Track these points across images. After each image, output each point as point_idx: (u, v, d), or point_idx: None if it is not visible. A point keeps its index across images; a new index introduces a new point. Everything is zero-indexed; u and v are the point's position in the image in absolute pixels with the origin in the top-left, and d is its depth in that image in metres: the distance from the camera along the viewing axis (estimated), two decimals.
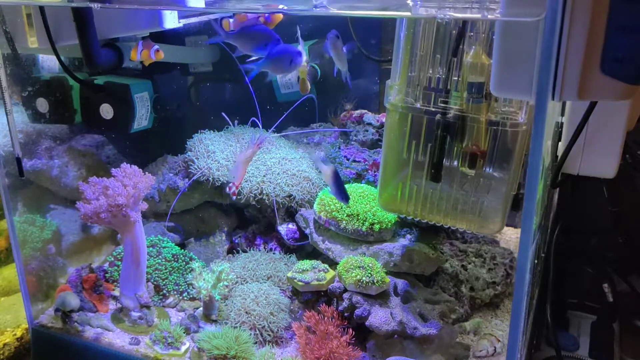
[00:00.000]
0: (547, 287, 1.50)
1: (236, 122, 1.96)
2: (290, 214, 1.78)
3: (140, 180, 1.48)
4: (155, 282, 1.64)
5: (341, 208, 1.57)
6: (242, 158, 1.46)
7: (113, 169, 1.51)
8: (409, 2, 1.11)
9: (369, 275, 1.39)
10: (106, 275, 1.69)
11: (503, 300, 1.60)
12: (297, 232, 1.75)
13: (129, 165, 1.52)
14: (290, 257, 1.73)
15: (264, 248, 1.76)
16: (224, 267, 1.55)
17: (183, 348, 1.44)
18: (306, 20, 1.92)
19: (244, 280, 1.62)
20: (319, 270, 1.51)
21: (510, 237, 1.81)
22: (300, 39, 1.37)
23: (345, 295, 1.42)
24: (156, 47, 1.51)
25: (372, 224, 1.54)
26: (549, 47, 0.83)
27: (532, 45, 0.86)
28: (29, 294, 1.57)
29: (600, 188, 1.63)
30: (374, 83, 2.01)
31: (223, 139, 1.85)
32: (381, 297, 1.42)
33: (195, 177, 1.74)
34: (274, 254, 1.74)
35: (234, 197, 1.57)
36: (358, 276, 1.39)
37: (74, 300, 1.53)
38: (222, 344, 1.37)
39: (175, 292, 1.65)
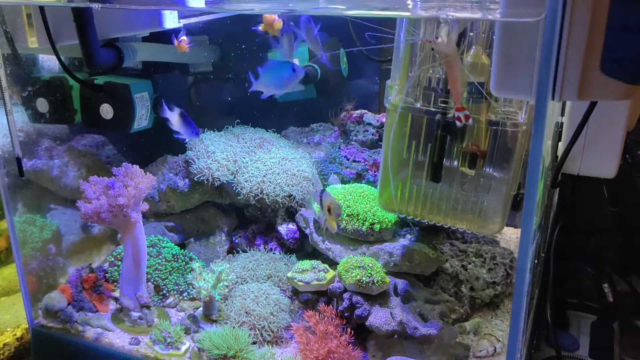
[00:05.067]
0: (547, 287, 1.50)
1: (236, 122, 1.96)
2: (290, 214, 1.78)
3: (141, 181, 1.48)
4: (155, 282, 1.64)
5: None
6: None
7: (114, 168, 1.51)
8: (408, 2, 1.11)
9: (369, 275, 1.39)
10: (106, 275, 1.69)
11: (503, 300, 1.60)
12: (297, 232, 1.75)
13: (130, 165, 1.52)
14: (290, 257, 1.73)
15: (264, 248, 1.76)
16: (224, 267, 1.55)
17: (183, 348, 1.44)
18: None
19: (244, 280, 1.62)
20: (319, 270, 1.51)
21: (510, 237, 1.81)
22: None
23: (345, 295, 1.42)
24: None
25: (372, 224, 1.54)
26: (549, 47, 0.83)
27: (532, 45, 0.86)
28: (29, 294, 1.57)
29: (600, 188, 1.64)
30: (374, 83, 2.01)
31: (223, 139, 1.85)
32: (381, 297, 1.42)
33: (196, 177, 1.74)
34: (274, 254, 1.74)
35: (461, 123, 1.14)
36: (358, 276, 1.39)
37: (56, 303, 1.53)
38: (222, 344, 1.37)
39: (175, 292, 1.65)
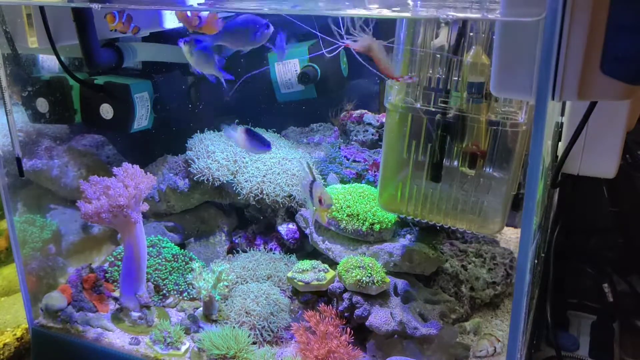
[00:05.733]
0: (547, 287, 1.50)
1: (236, 121, 1.96)
2: (290, 214, 1.78)
3: (141, 181, 1.48)
4: (155, 282, 1.64)
5: (341, 208, 1.57)
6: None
7: (115, 168, 1.51)
8: (409, 2, 1.11)
9: (369, 275, 1.39)
10: (106, 275, 1.69)
11: (503, 300, 1.60)
12: (297, 232, 1.74)
13: (130, 164, 1.51)
14: (290, 257, 1.73)
15: (264, 248, 1.76)
16: (224, 267, 1.55)
17: (183, 348, 1.44)
18: (305, 20, 1.92)
19: (244, 281, 1.62)
20: (319, 270, 1.51)
21: (510, 237, 1.81)
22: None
23: (345, 295, 1.42)
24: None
25: (372, 224, 1.54)
26: (549, 47, 0.83)
27: (532, 45, 0.86)
28: (29, 294, 1.57)
29: (600, 188, 1.63)
30: (374, 83, 2.01)
31: (223, 139, 1.85)
32: (381, 297, 1.42)
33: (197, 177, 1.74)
34: (274, 254, 1.74)
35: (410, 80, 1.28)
36: (358, 276, 1.39)
37: (55, 303, 1.53)
38: (222, 344, 1.37)
39: (175, 292, 1.65)
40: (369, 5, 1.22)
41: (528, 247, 0.96)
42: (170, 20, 1.62)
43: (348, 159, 1.82)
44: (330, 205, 1.33)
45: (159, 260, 1.67)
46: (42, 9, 1.41)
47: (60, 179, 1.81)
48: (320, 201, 1.31)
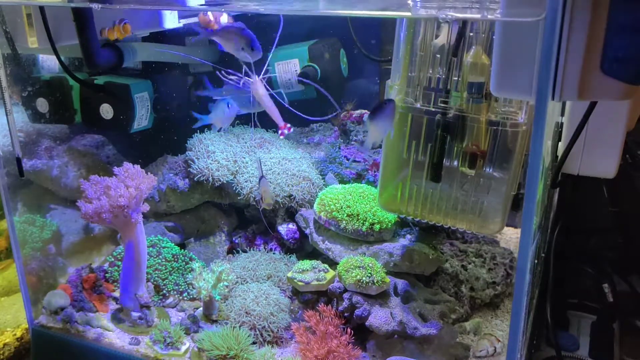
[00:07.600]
0: (547, 287, 1.51)
1: (236, 122, 1.96)
2: (290, 214, 1.78)
3: (142, 181, 1.48)
4: (155, 282, 1.64)
5: (341, 208, 1.57)
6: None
7: (115, 167, 1.50)
8: (409, 2, 1.11)
9: (369, 275, 1.39)
10: (106, 275, 1.69)
11: (503, 300, 1.60)
12: (297, 232, 1.74)
13: (131, 165, 1.51)
14: (290, 257, 1.73)
15: (264, 248, 1.76)
16: (224, 267, 1.55)
17: (183, 348, 1.44)
18: (306, 20, 1.93)
19: (244, 281, 1.62)
20: (319, 270, 1.51)
21: (510, 237, 1.81)
22: None
23: (345, 295, 1.42)
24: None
25: (372, 224, 1.54)
26: (549, 47, 0.83)
27: (532, 45, 0.86)
28: (29, 294, 1.57)
29: (600, 188, 1.64)
30: (374, 83, 2.01)
31: (223, 139, 1.85)
32: (381, 297, 1.42)
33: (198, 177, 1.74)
34: (274, 254, 1.74)
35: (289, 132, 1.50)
36: (358, 276, 1.39)
37: (59, 300, 1.53)
38: (222, 344, 1.37)
39: (175, 292, 1.65)
40: None
41: (528, 247, 0.96)
42: (170, 20, 1.62)
43: (348, 159, 1.82)
44: (271, 205, 1.58)
45: (159, 260, 1.67)
46: (42, 9, 1.41)
47: (60, 179, 1.81)
48: (261, 198, 1.53)
